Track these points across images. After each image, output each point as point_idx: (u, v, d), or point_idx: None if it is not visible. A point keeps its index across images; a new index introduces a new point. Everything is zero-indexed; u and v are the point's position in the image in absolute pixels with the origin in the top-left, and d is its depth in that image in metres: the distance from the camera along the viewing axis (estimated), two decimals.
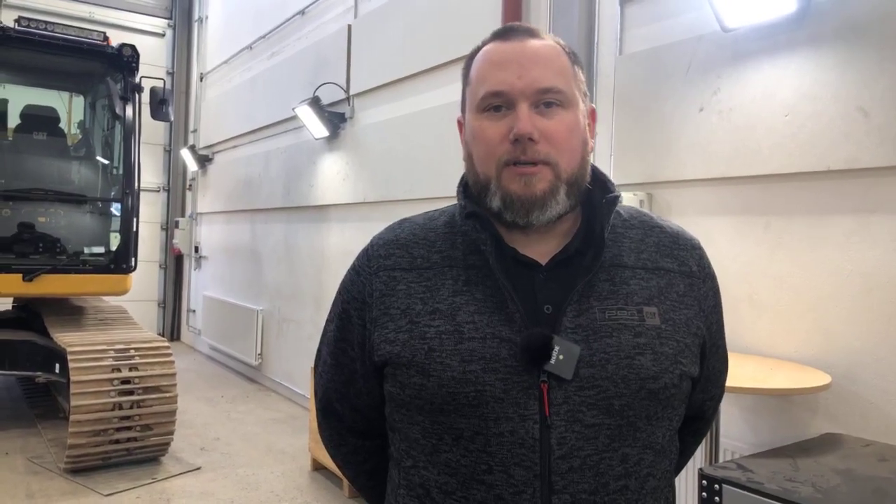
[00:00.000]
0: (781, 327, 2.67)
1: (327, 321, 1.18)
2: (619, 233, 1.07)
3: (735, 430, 2.75)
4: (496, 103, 1.00)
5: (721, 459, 2.50)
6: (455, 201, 1.13)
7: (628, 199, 3.09)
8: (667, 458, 1.03)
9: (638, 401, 0.96)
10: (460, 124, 1.11)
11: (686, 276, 1.07)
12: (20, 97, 6.17)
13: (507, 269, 1.01)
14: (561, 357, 0.94)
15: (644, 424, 0.98)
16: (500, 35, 1.05)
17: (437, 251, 1.06)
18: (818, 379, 2.33)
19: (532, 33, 1.04)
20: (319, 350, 1.20)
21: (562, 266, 1.02)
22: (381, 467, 1.16)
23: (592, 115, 1.09)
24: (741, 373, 2.42)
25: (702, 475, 1.88)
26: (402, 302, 1.03)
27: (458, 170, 1.13)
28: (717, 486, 1.82)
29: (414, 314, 1.01)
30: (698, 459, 2.79)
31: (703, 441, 2.51)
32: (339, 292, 1.15)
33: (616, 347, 0.97)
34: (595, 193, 1.07)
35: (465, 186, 1.09)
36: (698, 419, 1.21)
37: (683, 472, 2.91)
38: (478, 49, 1.07)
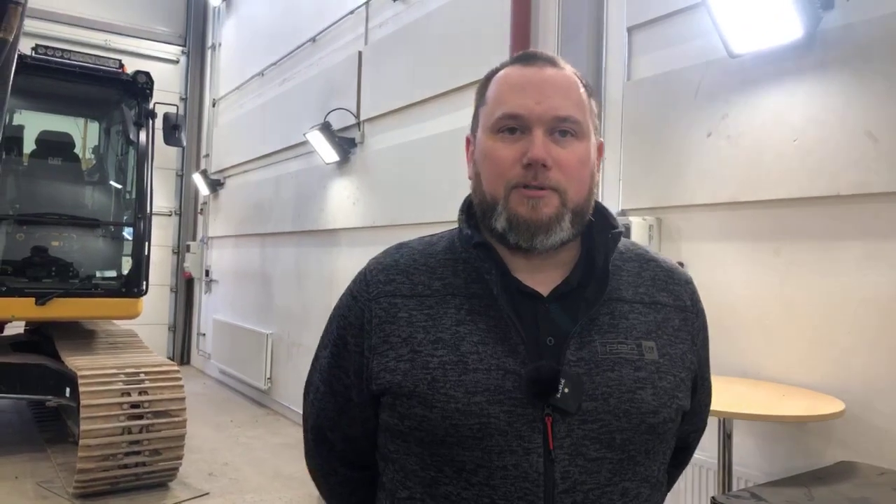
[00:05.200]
0: (793, 353, 2.64)
1: (320, 347, 1.15)
2: (616, 266, 1.07)
3: (748, 458, 2.71)
4: (511, 125, 1.00)
5: (734, 488, 2.46)
6: (454, 226, 1.12)
7: (637, 224, 3.09)
8: (659, 490, 1.04)
9: (638, 435, 0.96)
10: (468, 142, 1.11)
11: (681, 311, 1.08)
12: (36, 123, 6.26)
13: (511, 300, 1.00)
14: (566, 390, 0.94)
15: (643, 458, 0.98)
16: (521, 60, 1.05)
17: (439, 278, 1.04)
18: (832, 406, 2.31)
19: (552, 62, 1.05)
20: (310, 377, 1.17)
21: (563, 298, 1.02)
22: (368, 498, 1.13)
23: (601, 149, 1.09)
24: (753, 399, 2.39)
25: None
26: (403, 330, 1.01)
27: (467, 194, 1.12)
28: None
29: (416, 343, 0.99)
30: (711, 487, 2.76)
31: (717, 469, 2.49)
32: (335, 318, 1.11)
33: (618, 381, 0.97)
34: (595, 226, 1.07)
35: (466, 212, 1.09)
36: (684, 450, 1.21)
37: (696, 499, 2.87)
38: (495, 71, 1.08)
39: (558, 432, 0.93)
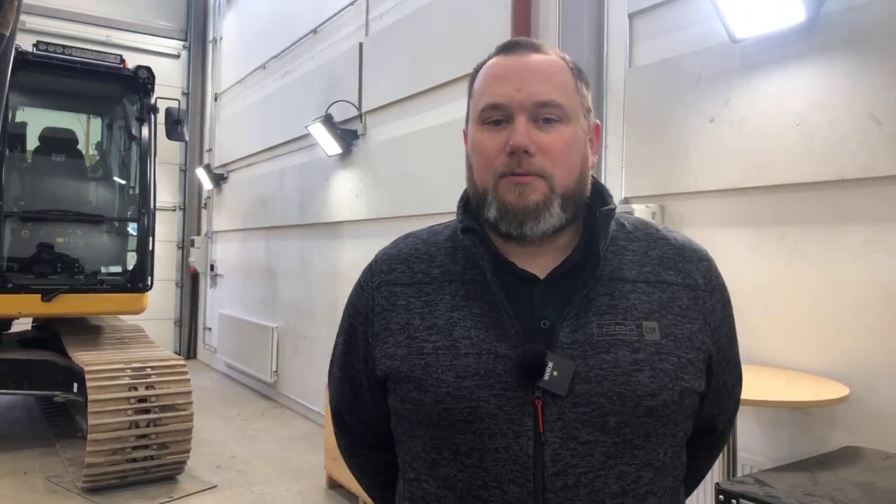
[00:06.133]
0: (798, 339, 2.64)
1: (337, 335, 1.20)
2: (621, 245, 1.06)
3: (752, 444, 2.71)
4: (495, 116, 1.01)
5: (738, 474, 2.47)
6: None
7: (640, 212, 3.08)
8: (670, 474, 1.02)
9: (635, 418, 0.95)
10: (465, 135, 1.12)
11: (690, 289, 1.04)
12: (39, 120, 6.28)
13: (504, 284, 1.00)
14: (555, 373, 0.94)
15: (642, 442, 0.96)
16: (504, 49, 1.06)
17: (438, 266, 1.07)
18: (836, 391, 2.30)
19: (536, 48, 1.04)
20: (331, 364, 1.23)
21: (561, 280, 1.01)
22: (393, 479, 1.16)
23: (596, 131, 1.09)
24: (758, 385, 2.39)
25: (718, 490, 1.85)
26: (401, 317, 1.04)
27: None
28: (734, 500, 1.80)
29: (413, 329, 1.02)
30: (715, 474, 2.75)
31: (720, 455, 2.48)
32: (346, 307, 1.17)
33: (613, 363, 0.95)
34: (594, 207, 1.06)
35: (465, 201, 1.10)
36: (711, 433, 1.18)
37: (700, 486, 2.87)
38: (483, 63, 1.08)
39: (549, 415, 0.94)
